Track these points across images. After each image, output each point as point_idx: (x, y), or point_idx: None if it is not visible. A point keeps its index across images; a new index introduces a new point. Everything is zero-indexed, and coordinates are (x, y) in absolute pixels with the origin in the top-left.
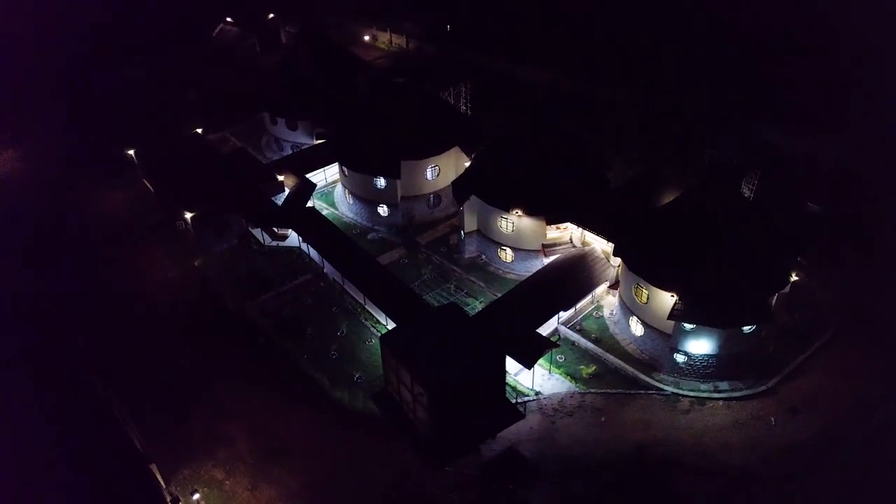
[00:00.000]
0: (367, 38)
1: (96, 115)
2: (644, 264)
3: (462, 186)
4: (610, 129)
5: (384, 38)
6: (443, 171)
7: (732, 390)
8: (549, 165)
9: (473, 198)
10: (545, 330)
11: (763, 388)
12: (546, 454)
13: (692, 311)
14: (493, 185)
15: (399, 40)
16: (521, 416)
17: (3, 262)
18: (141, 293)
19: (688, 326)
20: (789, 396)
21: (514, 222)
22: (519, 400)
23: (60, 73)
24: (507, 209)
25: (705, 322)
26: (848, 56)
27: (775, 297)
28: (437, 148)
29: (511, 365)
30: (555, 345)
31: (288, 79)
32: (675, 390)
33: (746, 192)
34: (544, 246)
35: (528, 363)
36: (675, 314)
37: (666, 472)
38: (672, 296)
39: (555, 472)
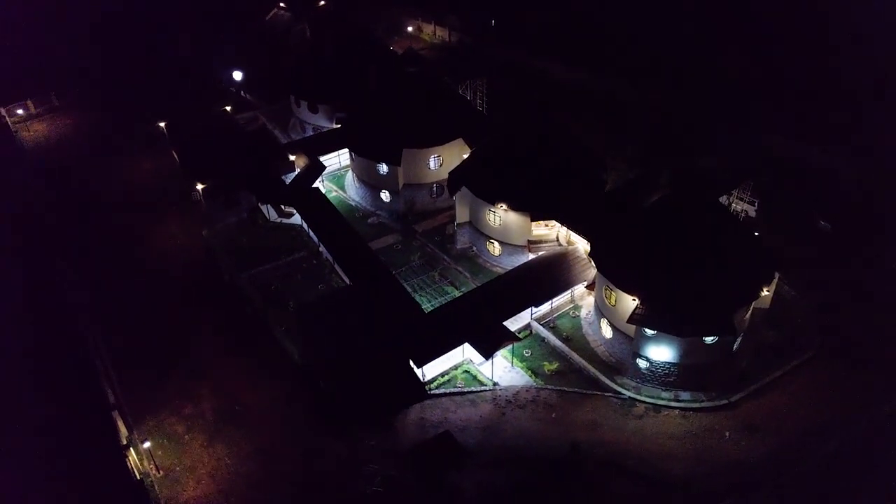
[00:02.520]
0: (410, 28)
1: (144, 90)
2: (611, 266)
3: (455, 177)
4: (618, 129)
5: (428, 29)
6: (446, 161)
7: (693, 401)
8: (541, 163)
9: (465, 189)
10: (519, 324)
11: (724, 402)
12: (489, 443)
13: (652, 317)
14: (482, 178)
15: (442, 32)
16: (426, 396)
17: (29, 216)
18: (148, 256)
19: (649, 332)
20: (750, 413)
21: (500, 216)
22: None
23: (116, 49)
24: (493, 202)
25: (663, 328)
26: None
27: (749, 312)
28: (439, 138)
29: (474, 355)
30: (516, 338)
31: (311, 64)
32: (633, 395)
33: (753, 206)
34: (530, 242)
35: (486, 353)
36: (634, 318)
37: (602, 474)
38: (634, 300)
39: (493, 460)
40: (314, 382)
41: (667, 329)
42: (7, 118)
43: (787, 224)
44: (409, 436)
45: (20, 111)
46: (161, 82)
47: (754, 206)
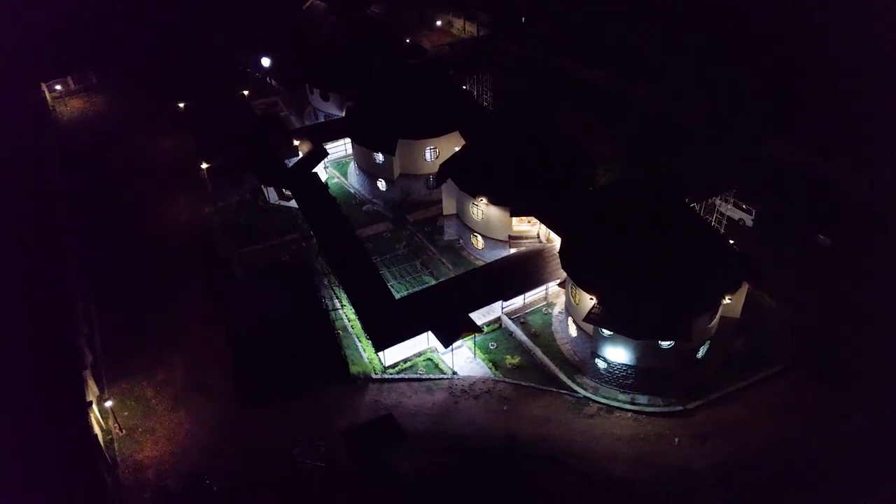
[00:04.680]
0: (439, 23)
1: (176, 72)
2: (574, 263)
3: (443, 169)
4: (624, 130)
5: (458, 24)
6: (442, 153)
7: (649, 405)
8: (528, 159)
9: (450, 181)
10: (490, 317)
11: (679, 408)
12: (437, 429)
13: (606, 317)
14: (467, 171)
15: (471, 28)
16: (349, 376)
17: (52, 180)
18: (152, 228)
19: (605, 332)
20: (704, 422)
21: (482, 210)
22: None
23: (155, 33)
24: (475, 195)
25: (615, 329)
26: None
27: (716, 320)
28: (435, 130)
29: (439, 343)
30: (478, 330)
31: (326, 53)
32: (588, 395)
33: (750, 214)
34: (511, 237)
35: (446, 342)
36: (590, 317)
37: (542, 469)
38: (591, 298)
39: (437, 446)
40: (239, 354)
41: (620, 330)
42: (47, 93)
43: (784, 235)
44: (362, 416)
45: (58, 87)
46: (192, 66)
47: (751, 214)
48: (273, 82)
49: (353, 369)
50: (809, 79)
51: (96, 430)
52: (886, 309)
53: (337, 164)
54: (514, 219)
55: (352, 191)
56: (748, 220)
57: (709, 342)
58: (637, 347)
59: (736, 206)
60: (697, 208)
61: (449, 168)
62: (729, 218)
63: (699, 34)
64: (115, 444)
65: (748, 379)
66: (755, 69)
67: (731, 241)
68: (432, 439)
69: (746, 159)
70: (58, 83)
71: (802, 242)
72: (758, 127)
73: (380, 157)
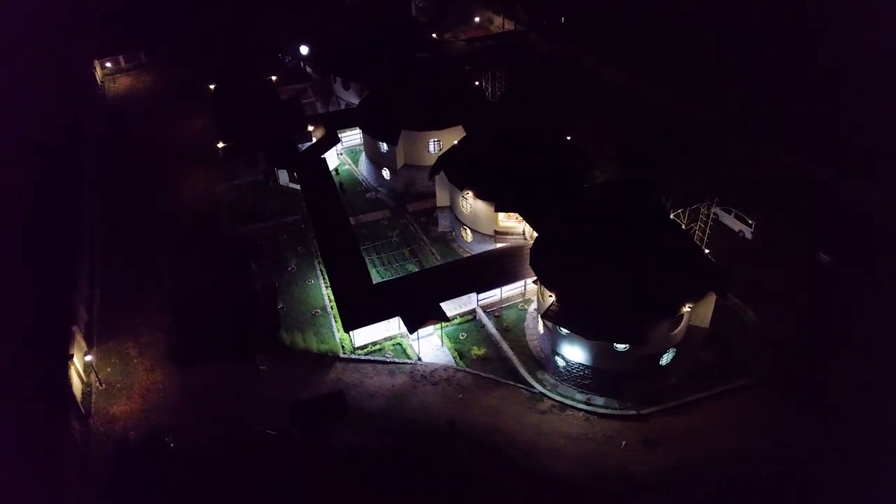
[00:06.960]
0: (477, 19)
1: (217, 55)
2: (540, 261)
3: (438, 161)
4: (635, 132)
5: (498, 21)
6: (445, 147)
7: (605, 406)
8: (519, 156)
9: (442, 173)
10: (465, 308)
11: (633, 412)
12: (391, 411)
13: (562, 315)
14: (458, 164)
15: (509, 25)
16: (278, 344)
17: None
18: (167, 200)
19: (563, 331)
20: (656, 428)
21: (470, 204)
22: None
23: (204, 18)
24: (462, 188)
25: (569, 327)
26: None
27: (681, 328)
28: (438, 123)
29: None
30: (445, 318)
31: (351, 43)
32: (544, 391)
33: (749, 227)
34: (496, 232)
35: (411, 328)
36: (547, 314)
37: (480, 457)
38: (550, 296)
39: (387, 427)
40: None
41: (574, 329)
42: (97, 70)
43: (784, 250)
44: (323, 392)
45: (109, 64)
46: (231, 49)
47: (751, 227)
48: (308, 69)
49: (322, 348)
50: (819, 86)
51: (75, 381)
52: (877, 332)
53: (350, 152)
54: (501, 214)
55: (360, 178)
56: (748, 233)
57: (674, 350)
58: (592, 348)
59: (737, 217)
60: (681, 214)
61: (443, 160)
62: (728, 229)
63: (711, 37)
64: (93, 397)
65: (710, 390)
66: (766, 75)
67: (708, 251)
68: (384, 420)
69: (751, 167)
70: (109, 60)
71: (802, 258)
72: (765, 134)
73: (384, 146)
